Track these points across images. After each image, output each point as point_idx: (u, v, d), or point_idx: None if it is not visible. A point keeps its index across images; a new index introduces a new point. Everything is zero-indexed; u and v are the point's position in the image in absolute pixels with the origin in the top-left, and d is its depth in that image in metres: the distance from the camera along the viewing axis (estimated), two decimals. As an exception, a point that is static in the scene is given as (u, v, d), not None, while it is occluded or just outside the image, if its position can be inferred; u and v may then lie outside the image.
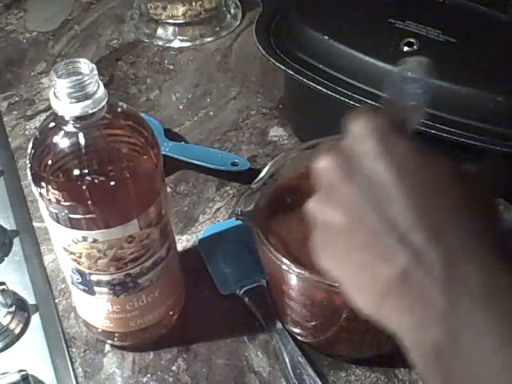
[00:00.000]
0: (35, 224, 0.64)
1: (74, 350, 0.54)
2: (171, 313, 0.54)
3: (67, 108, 0.41)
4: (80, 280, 0.48)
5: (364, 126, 0.35)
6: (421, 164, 0.33)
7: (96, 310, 0.51)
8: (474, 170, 0.35)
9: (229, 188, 0.67)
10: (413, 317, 0.31)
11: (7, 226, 0.63)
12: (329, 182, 0.35)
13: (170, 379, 0.52)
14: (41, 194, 0.44)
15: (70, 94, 0.41)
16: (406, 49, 0.59)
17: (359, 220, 0.33)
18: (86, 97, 0.41)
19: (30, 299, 0.57)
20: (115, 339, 0.53)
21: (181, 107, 0.77)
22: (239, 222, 0.49)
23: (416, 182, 0.33)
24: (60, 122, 0.43)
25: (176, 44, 0.87)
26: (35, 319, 0.56)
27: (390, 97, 0.37)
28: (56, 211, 0.44)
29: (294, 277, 0.46)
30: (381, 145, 0.34)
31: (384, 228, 0.32)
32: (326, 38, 0.61)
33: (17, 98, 0.79)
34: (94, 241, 0.45)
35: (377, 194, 0.33)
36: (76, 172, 0.42)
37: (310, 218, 0.37)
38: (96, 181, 0.43)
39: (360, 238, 0.33)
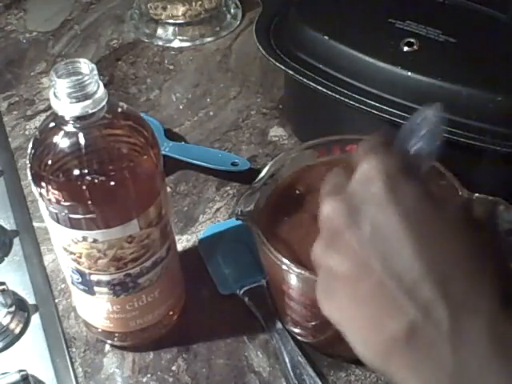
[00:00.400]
0: (35, 224, 0.64)
1: (74, 349, 0.54)
2: (171, 313, 0.54)
3: (67, 108, 0.41)
4: (80, 280, 0.48)
5: (372, 166, 0.34)
6: (429, 212, 0.32)
7: (96, 309, 0.51)
8: (483, 217, 0.34)
9: (229, 188, 0.67)
10: (420, 375, 0.30)
11: (7, 226, 0.63)
12: (334, 227, 0.34)
13: (170, 379, 0.52)
14: (41, 194, 0.44)
15: (69, 94, 0.41)
16: (405, 49, 0.59)
17: (365, 269, 0.32)
18: (86, 97, 0.41)
19: (30, 299, 0.57)
20: (115, 339, 0.53)
21: (181, 107, 0.77)
22: (239, 222, 0.49)
23: (423, 232, 0.32)
24: (60, 121, 0.43)
25: (176, 44, 0.87)
26: (35, 319, 0.56)
27: (400, 146, 0.36)
28: (56, 211, 0.44)
29: (294, 277, 0.46)
30: (388, 190, 0.33)
31: (390, 279, 0.31)
32: (326, 38, 0.61)
33: (17, 98, 0.79)
34: (94, 241, 0.45)
35: (383, 243, 0.32)
36: (76, 172, 0.42)
37: (314, 262, 0.36)
38: (96, 181, 0.43)
39: (365, 287, 0.32)
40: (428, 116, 0.36)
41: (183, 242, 0.62)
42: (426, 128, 0.35)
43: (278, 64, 0.63)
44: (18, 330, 0.55)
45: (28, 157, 0.45)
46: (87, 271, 0.47)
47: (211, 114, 0.76)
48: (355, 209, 0.34)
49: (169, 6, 0.87)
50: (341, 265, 0.34)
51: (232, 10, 0.91)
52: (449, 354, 0.30)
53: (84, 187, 0.42)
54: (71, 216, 0.44)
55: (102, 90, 0.42)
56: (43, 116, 0.76)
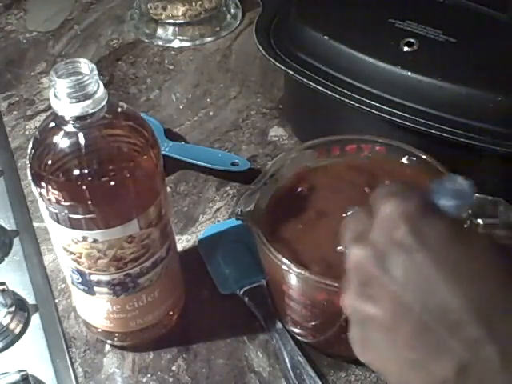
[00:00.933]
0: (35, 224, 0.64)
1: (74, 349, 0.54)
2: (171, 313, 0.54)
3: (67, 108, 0.41)
4: (80, 280, 0.48)
5: (393, 210, 0.33)
6: (459, 246, 0.32)
7: (96, 309, 0.51)
8: (507, 239, 0.34)
9: (229, 188, 0.67)
10: None
11: (7, 226, 0.63)
12: (365, 275, 0.34)
13: (170, 379, 0.52)
14: (41, 194, 0.44)
15: (69, 94, 0.41)
16: (405, 49, 0.59)
17: (404, 314, 0.32)
18: (86, 97, 0.41)
19: (30, 299, 0.57)
20: (115, 339, 0.53)
21: (181, 107, 0.77)
22: (239, 222, 0.49)
23: (457, 268, 0.32)
24: (60, 121, 0.43)
25: (176, 44, 0.87)
26: (35, 319, 0.56)
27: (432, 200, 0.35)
28: (56, 211, 0.44)
29: (293, 277, 0.46)
30: (414, 231, 0.32)
31: (432, 321, 0.31)
32: (326, 38, 0.61)
33: (17, 98, 0.79)
34: (94, 241, 0.45)
35: (419, 287, 0.32)
36: (76, 172, 0.42)
37: (347, 313, 0.36)
38: (96, 181, 0.43)
39: (406, 333, 0.32)
40: (462, 186, 0.35)
41: (183, 242, 0.62)
42: (457, 198, 0.35)
43: (278, 64, 0.63)
44: (18, 330, 0.55)
45: (28, 157, 0.45)
46: (87, 271, 0.47)
47: (211, 114, 0.76)
48: (383, 255, 0.33)
49: (169, 6, 0.87)
50: (378, 312, 0.33)
51: (232, 10, 0.91)
52: None
53: (84, 187, 0.42)
54: (71, 216, 0.44)
55: (101, 90, 0.42)
56: (43, 116, 0.75)
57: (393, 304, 0.33)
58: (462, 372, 0.30)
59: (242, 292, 0.56)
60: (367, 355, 0.35)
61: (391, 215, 0.33)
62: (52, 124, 0.43)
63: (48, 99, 0.43)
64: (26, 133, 0.74)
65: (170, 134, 0.72)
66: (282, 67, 0.63)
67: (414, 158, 0.52)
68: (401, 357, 0.33)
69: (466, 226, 0.37)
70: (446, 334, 0.31)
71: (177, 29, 0.88)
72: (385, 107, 0.57)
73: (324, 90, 0.60)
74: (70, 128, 0.42)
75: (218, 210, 0.65)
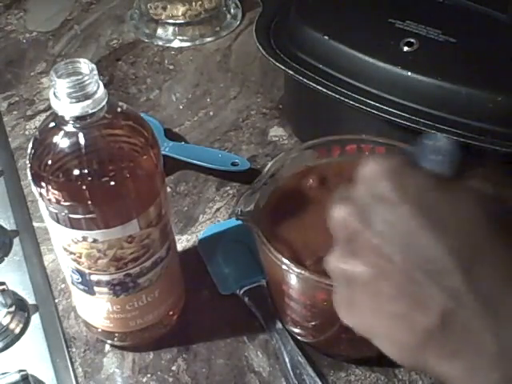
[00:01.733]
0: (35, 224, 0.64)
1: (74, 349, 0.54)
2: (171, 313, 0.54)
3: (67, 108, 0.41)
4: (80, 280, 0.48)
5: (374, 168, 0.33)
6: (441, 197, 0.32)
7: (96, 309, 0.51)
8: (491, 190, 0.34)
9: (229, 188, 0.67)
10: (460, 362, 0.30)
11: (7, 226, 0.63)
12: (348, 233, 0.34)
13: (170, 379, 0.52)
14: (41, 194, 0.44)
15: (69, 94, 0.41)
16: (406, 49, 0.59)
17: (386, 268, 0.32)
18: (86, 97, 0.41)
19: (30, 299, 0.57)
20: (115, 339, 0.53)
21: (181, 107, 0.77)
22: (239, 222, 0.49)
23: (441, 218, 0.31)
24: (60, 121, 0.43)
25: (176, 44, 0.87)
26: (35, 319, 0.56)
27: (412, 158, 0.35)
28: (56, 211, 0.44)
29: (293, 277, 0.46)
30: (395, 185, 0.32)
31: (415, 271, 0.31)
32: (326, 38, 0.61)
33: (17, 98, 0.79)
34: (94, 241, 0.45)
35: (401, 238, 0.32)
36: (76, 172, 0.42)
37: (331, 274, 0.35)
38: (96, 181, 0.43)
39: (390, 287, 0.32)
40: (443, 143, 0.35)
41: (183, 242, 0.62)
42: (439, 154, 0.34)
43: (278, 64, 0.63)
44: (17, 330, 0.55)
45: (28, 157, 0.45)
46: (87, 271, 0.47)
47: (211, 113, 0.76)
48: (365, 210, 0.33)
49: (169, 6, 0.87)
50: (360, 268, 0.33)
51: (232, 10, 0.91)
52: (490, 337, 0.29)
53: (84, 187, 0.42)
54: (71, 216, 0.44)
55: (101, 90, 0.42)
56: (43, 116, 0.76)
57: (374, 260, 0.33)
58: (446, 320, 0.30)
59: (241, 292, 0.56)
60: (352, 317, 0.35)
61: (373, 172, 0.33)
62: (52, 124, 0.43)
63: (48, 99, 0.43)
64: (26, 133, 0.74)
65: (170, 134, 0.72)
66: (282, 67, 0.63)
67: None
68: (385, 312, 0.33)
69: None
70: (428, 282, 0.31)
71: (177, 29, 0.88)
72: (385, 107, 0.57)
73: (324, 89, 0.60)
74: (69, 128, 0.42)
75: (218, 210, 0.65)
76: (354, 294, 0.34)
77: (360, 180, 0.34)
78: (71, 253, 0.46)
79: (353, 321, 0.35)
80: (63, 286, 0.58)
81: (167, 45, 0.87)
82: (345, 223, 0.34)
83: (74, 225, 0.44)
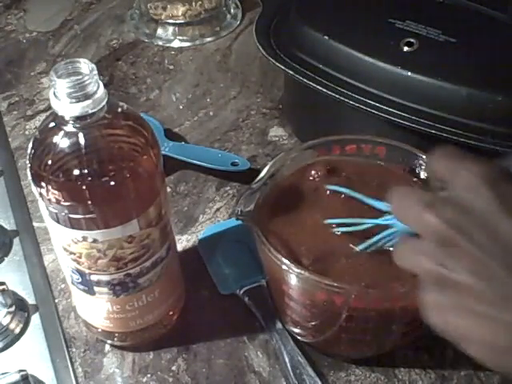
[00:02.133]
0: (35, 224, 0.64)
1: (73, 349, 0.54)
2: (171, 313, 0.54)
3: (67, 108, 0.41)
4: (80, 280, 0.48)
5: (474, 174, 0.33)
6: None
7: (96, 309, 0.51)
8: None
9: (229, 188, 0.67)
10: None
11: (7, 226, 0.63)
12: (446, 239, 0.34)
13: (170, 379, 0.52)
14: (41, 194, 0.44)
15: (69, 94, 0.41)
16: (406, 49, 0.59)
17: (489, 277, 0.33)
18: (86, 97, 0.41)
19: (30, 299, 0.57)
20: (115, 339, 0.53)
21: (181, 107, 0.77)
22: (239, 222, 0.49)
23: None
24: (60, 121, 0.43)
25: (176, 44, 0.87)
26: (35, 319, 0.56)
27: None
28: (56, 211, 0.44)
29: (293, 277, 0.46)
30: (498, 196, 0.33)
31: None
32: (326, 38, 0.61)
33: (17, 98, 0.79)
34: (94, 241, 0.45)
35: (505, 250, 0.32)
36: (76, 172, 0.42)
37: (422, 275, 0.36)
38: (96, 181, 0.43)
39: (495, 295, 0.33)
40: None
41: (183, 242, 0.62)
42: None
43: (278, 64, 0.63)
44: (17, 330, 0.55)
45: (28, 157, 0.45)
46: (87, 271, 0.47)
47: (211, 114, 0.76)
48: (465, 218, 0.33)
49: (169, 6, 0.87)
50: (463, 277, 0.33)
51: (232, 10, 0.91)
52: None
53: (84, 187, 0.42)
54: (71, 216, 0.44)
55: (101, 90, 0.42)
56: (43, 116, 0.76)
57: (478, 269, 0.33)
58: None
59: (241, 292, 0.56)
60: (444, 320, 0.35)
61: (472, 179, 0.33)
62: (52, 124, 0.43)
63: (48, 99, 0.43)
64: (26, 133, 0.74)
65: (170, 134, 0.72)
66: (282, 67, 0.63)
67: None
68: (483, 317, 0.33)
69: None
70: None
71: (177, 29, 0.88)
72: (385, 107, 0.57)
73: (324, 90, 0.60)
74: (69, 128, 0.42)
75: (218, 210, 0.65)
76: (450, 297, 0.34)
77: (459, 184, 0.34)
78: (71, 253, 0.46)
79: (443, 323, 0.35)
80: (63, 285, 0.58)
81: (167, 45, 0.87)
82: (443, 228, 0.34)
83: (73, 225, 0.44)
